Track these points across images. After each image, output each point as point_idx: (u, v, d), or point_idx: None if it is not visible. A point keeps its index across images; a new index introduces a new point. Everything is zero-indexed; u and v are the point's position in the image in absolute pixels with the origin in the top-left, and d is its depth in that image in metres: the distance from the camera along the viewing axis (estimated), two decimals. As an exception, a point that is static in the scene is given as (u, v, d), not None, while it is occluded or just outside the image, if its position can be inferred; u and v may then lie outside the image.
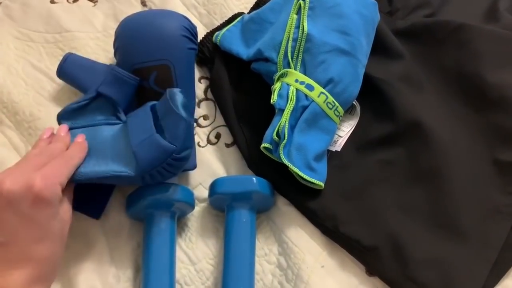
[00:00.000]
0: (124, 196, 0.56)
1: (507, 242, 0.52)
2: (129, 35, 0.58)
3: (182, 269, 0.55)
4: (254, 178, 0.54)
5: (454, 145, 0.57)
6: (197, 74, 0.65)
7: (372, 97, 0.61)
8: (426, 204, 0.54)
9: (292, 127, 0.54)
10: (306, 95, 0.54)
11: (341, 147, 0.59)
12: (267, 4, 0.62)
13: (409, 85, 0.61)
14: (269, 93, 0.56)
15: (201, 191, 0.59)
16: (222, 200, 0.55)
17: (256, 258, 0.55)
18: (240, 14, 0.67)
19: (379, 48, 0.62)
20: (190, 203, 0.55)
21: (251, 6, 0.69)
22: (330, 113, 0.56)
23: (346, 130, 0.60)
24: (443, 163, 0.55)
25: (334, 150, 0.59)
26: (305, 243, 0.54)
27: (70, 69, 0.60)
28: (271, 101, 0.55)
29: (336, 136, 0.60)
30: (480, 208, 0.53)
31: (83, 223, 0.55)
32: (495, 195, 0.54)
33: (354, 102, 0.60)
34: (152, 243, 0.52)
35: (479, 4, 0.69)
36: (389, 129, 0.59)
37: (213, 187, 0.55)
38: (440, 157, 0.55)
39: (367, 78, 0.60)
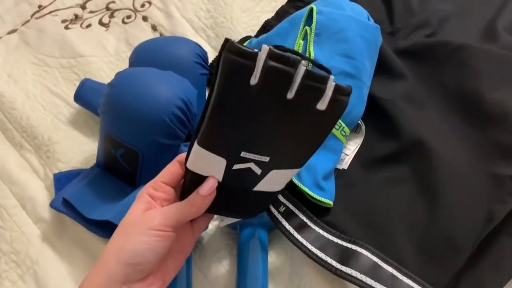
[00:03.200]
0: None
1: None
2: (143, 62, 0.61)
3: (198, 285, 0.57)
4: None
5: (454, 161, 0.59)
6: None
7: (376, 116, 0.63)
8: (426, 220, 0.56)
9: (301, 148, 0.57)
10: (314, 117, 0.57)
11: (347, 165, 0.62)
12: (274, 29, 0.65)
13: (411, 104, 0.64)
14: None
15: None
16: (235, 218, 0.57)
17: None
18: (248, 37, 0.69)
19: (382, 69, 0.65)
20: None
21: (258, 29, 0.72)
22: (337, 133, 0.58)
23: (352, 148, 0.63)
24: (443, 179, 0.57)
25: (341, 168, 0.61)
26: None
27: (87, 94, 0.63)
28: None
29: (343, 154, 0.62)
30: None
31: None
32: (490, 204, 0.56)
33: (359, 122, 0.63)
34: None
35: (477, 24, 0.72)
36: (393, 147, 0.61)
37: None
38: (441, 173, 0.58)
39: (371, 98, 0.63)
